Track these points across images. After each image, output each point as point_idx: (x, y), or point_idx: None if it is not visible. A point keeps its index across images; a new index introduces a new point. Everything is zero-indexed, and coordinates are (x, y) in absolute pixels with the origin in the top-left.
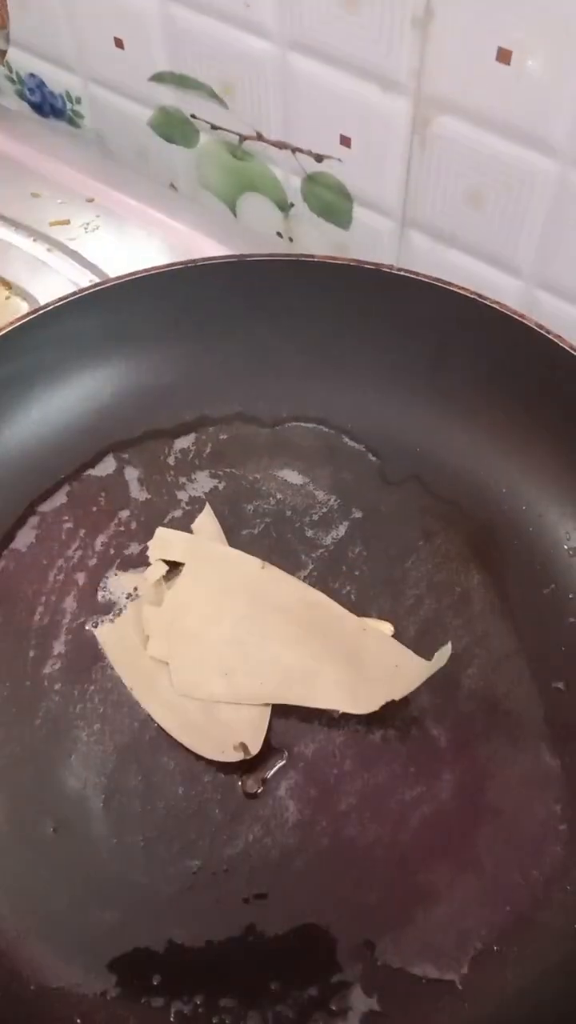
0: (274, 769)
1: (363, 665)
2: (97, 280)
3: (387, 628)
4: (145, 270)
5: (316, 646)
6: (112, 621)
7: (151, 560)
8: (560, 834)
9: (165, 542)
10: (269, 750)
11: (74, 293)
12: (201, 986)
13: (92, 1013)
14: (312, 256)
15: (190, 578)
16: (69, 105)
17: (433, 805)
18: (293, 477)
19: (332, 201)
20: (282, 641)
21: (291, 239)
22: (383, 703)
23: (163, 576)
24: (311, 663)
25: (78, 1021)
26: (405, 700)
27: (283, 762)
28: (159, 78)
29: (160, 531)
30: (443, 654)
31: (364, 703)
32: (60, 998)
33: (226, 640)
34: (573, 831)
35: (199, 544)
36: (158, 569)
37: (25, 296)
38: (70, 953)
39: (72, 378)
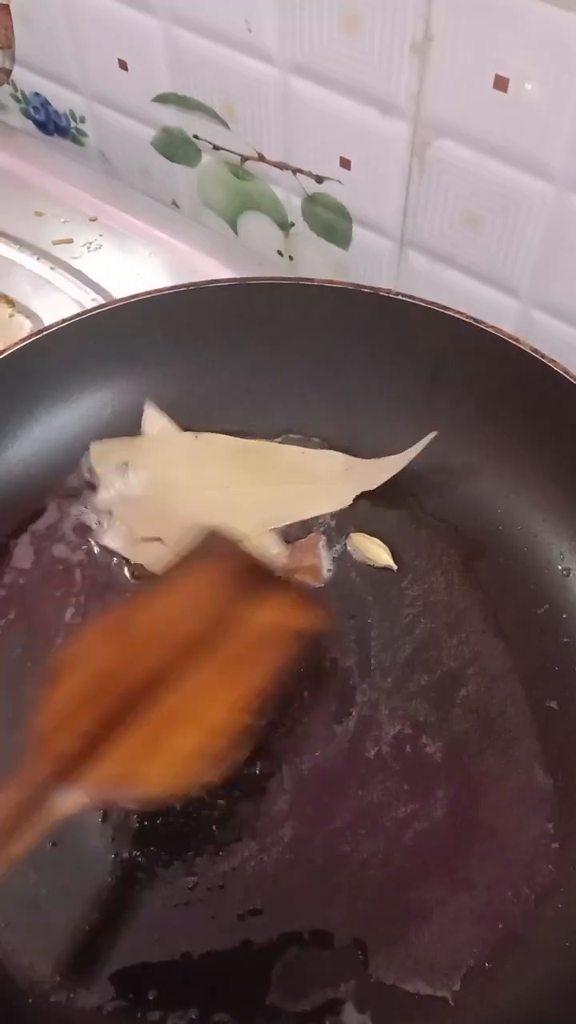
0: (270, 786)
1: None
2: (99, 298)
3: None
4: (147, 292)
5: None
6: None
7: (97, 473)
8: (552, 852)
9: (103, 452)
10: (265, 767)
11: (78, 315)
12: (196, 1001)
13: None
14: (312, 280)
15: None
16: (73, 124)
17: (427, 822)
18: None
19: (332, 221)
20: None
21: (291, 257)
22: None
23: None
24: (276, 491)
25: None
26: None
27: (278, 779)
28: (162, 99)
29: (94, 444)
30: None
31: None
32: (57, 1012)
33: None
34: (564, 849)
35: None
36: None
37: (28, 314)
38: (67, 967)
39: (74, 398)
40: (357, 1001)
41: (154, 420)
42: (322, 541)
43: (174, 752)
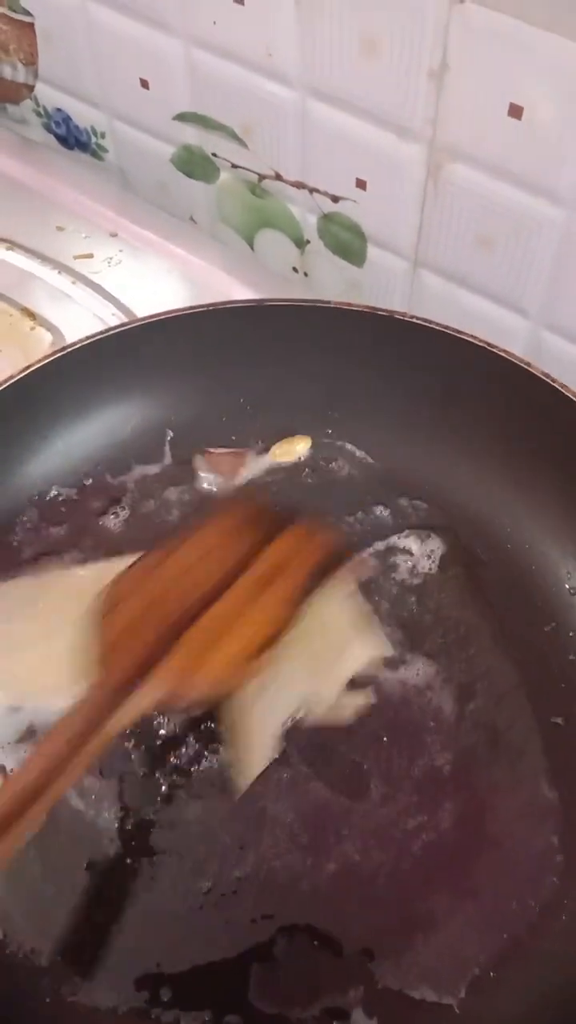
0: (283, 795)
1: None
2: (119, 312)
3: None
4: (166, 312)
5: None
6: None
7: None
8: (557, 865)
9: None
10: (279, 776)
11: (100, 333)
12: (209, 1003)
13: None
14: (328, 302)
15: None
16: (94, 139)
17: (434, 834)
18: None
19: (347, 240)
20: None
21: (306, 274)
22: None
23: None
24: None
25: None
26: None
27: (292, 788)
28: (182, 117)
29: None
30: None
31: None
32: (74, 1011)
33: None
34: (569, 862)
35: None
36: None
37: (49, 327)
38: (84, 968)
39: (94, 413)
40: (365, 1006)
41: None
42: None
43: (223, 650)
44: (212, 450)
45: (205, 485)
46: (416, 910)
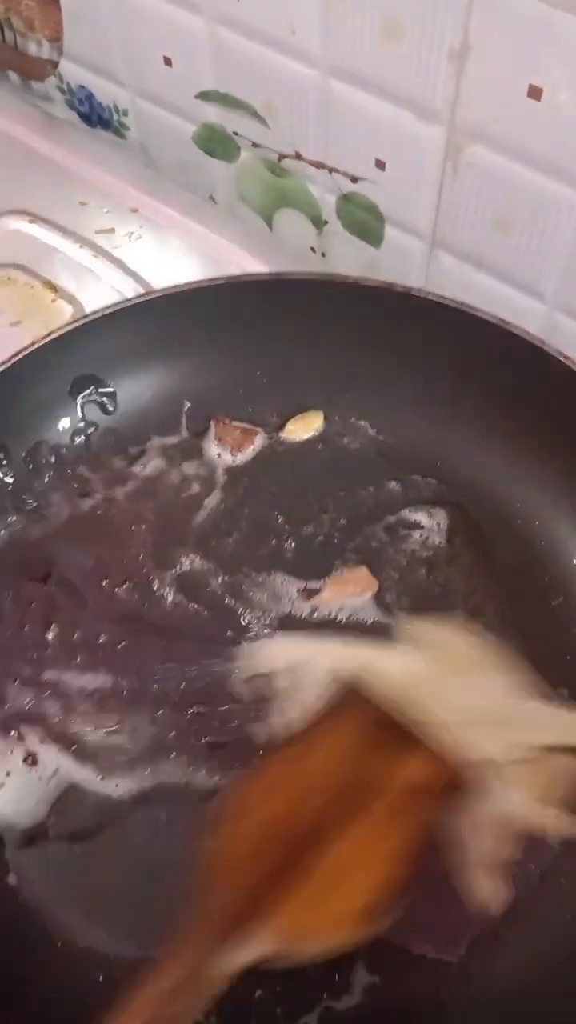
0: None
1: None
2: (138, 286)
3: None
4: (186, 284)
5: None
6: None
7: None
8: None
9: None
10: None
11: (120, 303)
12: None
13: (113, 971)
14: (345, 277)
15: None
16: (116, 117)
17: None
18: None
19: (365, 220)
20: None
21: (323, 254)
22: None
23: None
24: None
25: (100, 978)
26: None
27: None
28: (204, 96)
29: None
30: None
31: None
32: (85, 957)
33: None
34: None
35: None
36: None
37: (70, 299)
38: (96, 918)
39: (114, 382)
40: (368, 962)
41: None
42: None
43: (341, 906)
44: (226, 420)
45: (215, 456)
46: (420, 871)
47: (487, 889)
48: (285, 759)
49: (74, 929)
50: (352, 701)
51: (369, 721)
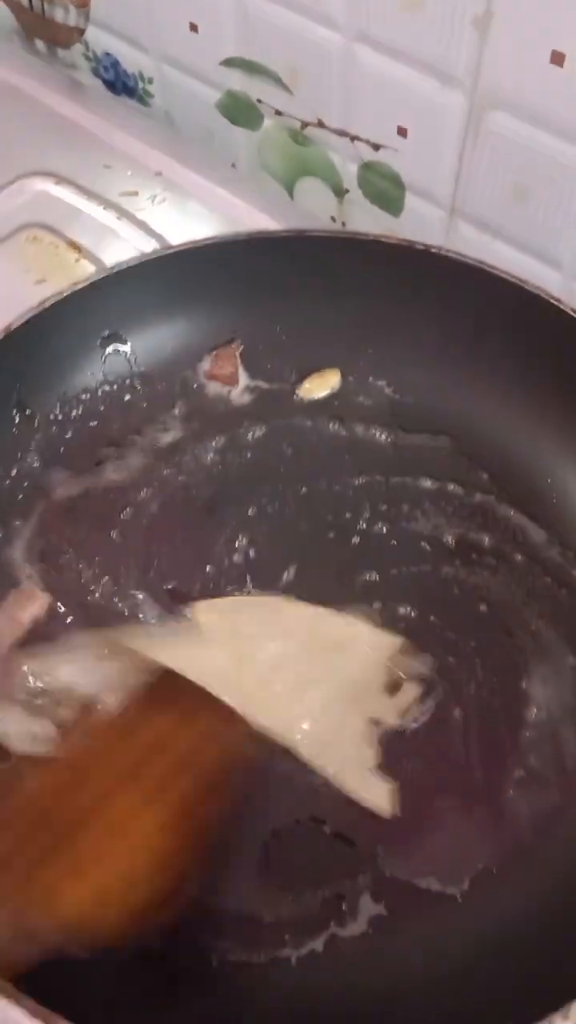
0: None
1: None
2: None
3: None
4: (209, 239)
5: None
6: None
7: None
8: (563, 776)
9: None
10: None
11: (141, 256)
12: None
13: None
14: (366, 234)
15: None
16: (141, 84)
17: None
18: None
19: (386, 189)
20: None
21: (344, 224)
22: None
23: None
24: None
25: None
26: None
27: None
28: (229, 63)
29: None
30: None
31: None
32: None
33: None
34: (572, 777)
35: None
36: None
37: (93, 260)
38: None
39: (136, 334)
40: (374, 892)
41: None
42: (240, 350)
43: (100, 874)
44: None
45: (209, 391)
46: (428, 807)
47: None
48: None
49: None
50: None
51: (157, 694)
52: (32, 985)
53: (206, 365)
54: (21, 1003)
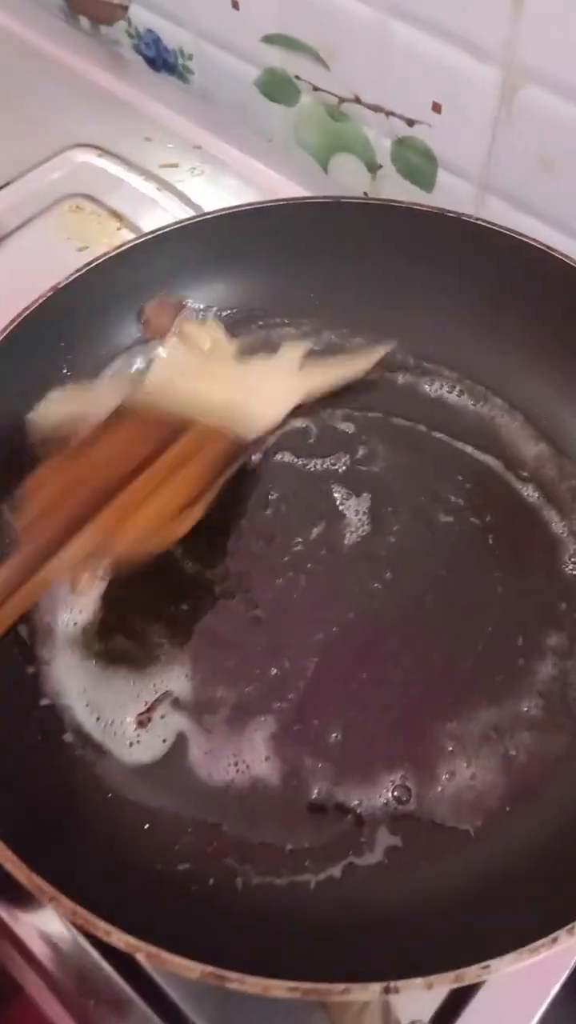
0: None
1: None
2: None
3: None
4: (245, 204)
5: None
6: None
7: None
8: (568, 724)
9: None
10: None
11: (179, 221)
12: (250, 816)
13: (158, 822)
14: (399, 202)
15: None
16: (181, 61)
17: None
18: None
19: (419, 165)
20: None
21: None
22: None
23: None
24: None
25: (147, 826)
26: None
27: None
28: (268, 40)
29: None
30: None
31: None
32: (133, 808)
33: None
34: None
35: None
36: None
37: (133, 228)
38: (143, 774)
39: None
40: (390, 826)
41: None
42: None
43: (149, 509)
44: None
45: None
46: (445, 746)
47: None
48: (77, 447)
49: (124, 784)
50: (132, 411)
51: (151, 419)
52: (77, 894)
53: (147, 311)
54: (64, 906)
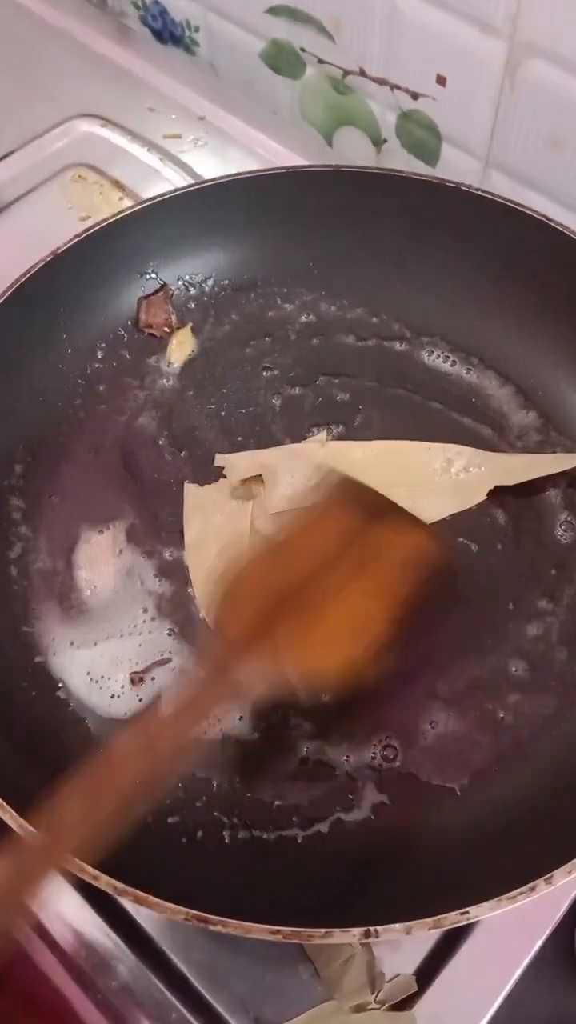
0: None
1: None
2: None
3: None
4: (246, 172)
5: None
6: None
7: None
8: (555, 687)
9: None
10: None
11: (178, 189)
12: (239, 772)
13: None
14: (401, 171)
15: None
16: (187, 33)
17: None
18: None
19: (423, 139)
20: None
21: None
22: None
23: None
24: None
25: None
26: None
27: None
28: (274, 11)
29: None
30: None
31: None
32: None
33: None
34: (567, 685)
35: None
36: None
37: (136, 199)
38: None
39: (172, 265)
40: (378, 783)
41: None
42: (171, 295)
43: (334, 635)
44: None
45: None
46: (431, 705)
47: None
48: (278, 541)
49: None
50: (332, 495)
51: (351, 508)
52: None
53: (141, 315)
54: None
